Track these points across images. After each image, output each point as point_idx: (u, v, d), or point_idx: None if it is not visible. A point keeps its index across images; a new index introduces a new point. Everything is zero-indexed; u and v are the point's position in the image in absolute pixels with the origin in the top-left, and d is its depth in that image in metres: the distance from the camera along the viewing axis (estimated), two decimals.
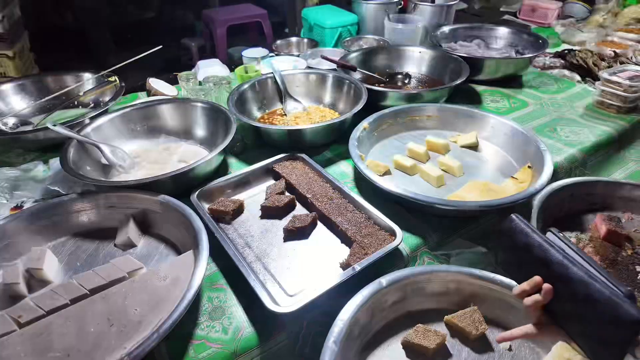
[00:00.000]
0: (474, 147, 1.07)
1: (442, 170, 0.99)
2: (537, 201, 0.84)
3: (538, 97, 1.32)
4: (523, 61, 1.40)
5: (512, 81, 1.41)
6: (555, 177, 0.96)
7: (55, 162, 0.99)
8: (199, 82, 1.32)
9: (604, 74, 1.21)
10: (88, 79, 1.26)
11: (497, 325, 0.69)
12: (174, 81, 1.39)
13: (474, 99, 1.33)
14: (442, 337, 0.65)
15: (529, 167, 0.93)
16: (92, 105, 1.26)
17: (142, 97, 1.35)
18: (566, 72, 1.60)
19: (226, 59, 4.33)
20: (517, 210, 0.89)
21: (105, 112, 1.08)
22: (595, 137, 1.09)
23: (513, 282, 0.68)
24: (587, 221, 0.90)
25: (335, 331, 0.61)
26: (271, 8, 5.93)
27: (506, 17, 2.79)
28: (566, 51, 1.79)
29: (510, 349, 0.66)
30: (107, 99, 1.22)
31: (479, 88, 1.39)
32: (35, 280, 0.73)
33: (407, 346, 0.66)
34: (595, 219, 0.88)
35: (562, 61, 1.71)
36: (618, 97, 1.18)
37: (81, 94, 1.22)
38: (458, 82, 1.20)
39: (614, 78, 1.19)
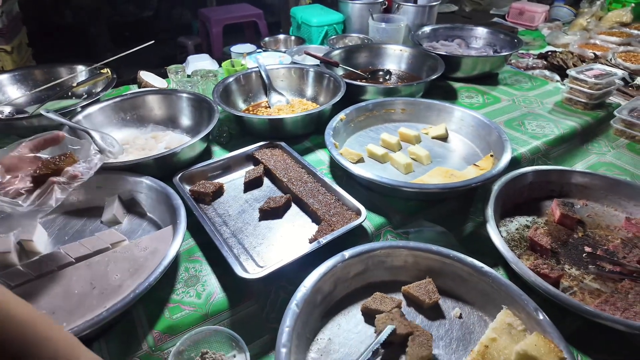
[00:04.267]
0: (443, 138, 1.14)
1: (412, 158, 1.05)
2: (495, 187, 0.90)
3: (511, 94, 1.38)
4: (498, 59, 1.46)
5: (488, 79, 1.48)
6: (519, 166, 1.02)
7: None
8: (187, 75, 1.38)
9: (571, 72, 1.28)
10: (81, 71, 1.32)
11: (449, 295, 0.75)
12: (165, 75, 1.45)
13: (451, 95, 1.39)
14: (397, 302, 0.71)
15: (491, 155, 0.99)
16: (85, 96, 1.32)
17: (133, 89, 1.41)
18: (547, 72, 1.67)
19: (221, 57, 4.40)
20: (478, 196, 0.95)
21: (97, 102, 1.14)
22: (559, 130, 1.16)
23: (467, 258, 0.74)
24: (546, 207, 0.96)
25: (298, 296, 0.67)
26: (267, 8, 5.99)
27: (495, 19, 2.87)
28: (548, 52, 1.86)
29: (460, 317, 0.72)
30: (98, 89, 1.28)
31: (457, 85, 1.46)
32: (25, 252, 0.79)
33: (366, 312, 0.72)
34: (552, 205, 0.94)
35: (544, 62, 1.78)
36: (584, 94, 1.25)
37: (74, 85, 1.28)
38: (432, 77, 1.27)
39: (581, 76, 1.25)
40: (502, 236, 0.82)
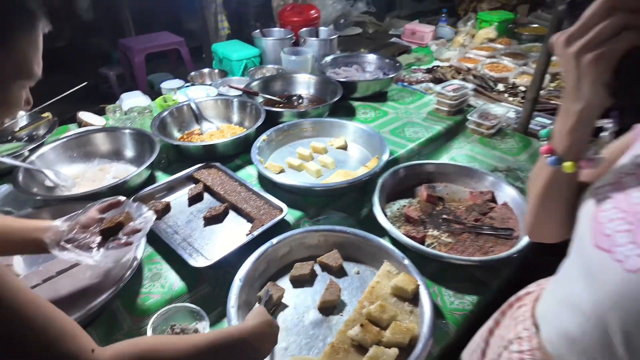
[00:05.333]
0: (344, 147, 1.46)
1: (322, 165, 1.35)
2: (380, 180, 1.23)
3: (396, 108, 1.76)
4: (386, 80, 1.84)
5: (379, 96, 1.85)
6: (398, 163, 1.37)
7: (2, 188, 1.18)
8: (124, 112, 1.57)
9: (436, 88, 1.68)
10: (22, 116, 1.45)
11: (351, 260, 1.04)
12: (100, 112, 1.62)
13: (351, 112, 1.73)
14: (311, 265, 0.99)
15: (377, 157, 1.32)
16: (26, 138, 1.45)
17: (72, 129, 1.55)
18: (431, 84, 2.09)
19: (146, 85, 4.44)
20: (370, 188, 1.27)
21: (42, 144, 1.29)
22: (429, 134, 1.54)
23: (361, 232, 1.04)
24: (418, 191, 1.31)
25: (240, 273, 0.92)
26: (188, 34, 6.09)
27: (393, 39, 3.34)
28: (433, 67, 2.30)
29: (358, 273, 1.02)
30: (40, 132, 1.42)
31: (356, 103, 1.80)
32: None
33: (293, 279, 0.99)
34: (421, 188, 1.29)
35: (430, 75, 2.21)
36: (446, 104, 1.65)
37: (16, 129, 1.40)
38: (333, 101, 1.59)
39: (443, 91, 1.66)
40: (386, 215, 1.14)
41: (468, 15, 3.28)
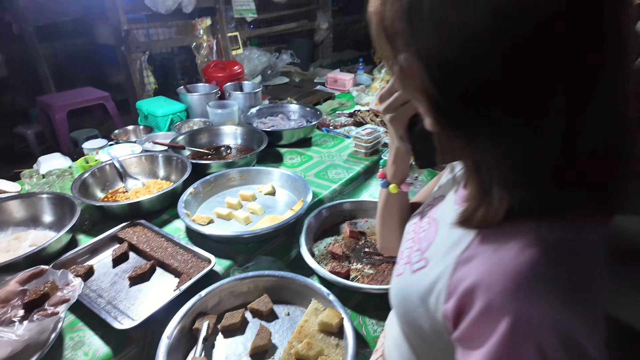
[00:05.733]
0: (272, 193, 1.53)
1: (250, 212, 1.41)
2: (306, 221, 1.31)
3: (320, 152, 1.89)
4: (310, 127, 1.98)
5: (304, 142, 1.97)
6: (322, 204, 1.46)
7: None
8: (42, 175, 1.52)
9: (352, 133, 1.84)
10: None
11: (280, 302, 1.09)
12: (14, 177, 1.55)
13: (278, 159, 1.83)
14: (242, 313, 1.01)
15: (302, 200, 1.41)
16: None
17: None
18: (353, 127, 2.27)
19: (69, 143, 4.23)
20: (295, 229, 1.34)
21: None
22: (349, 174, 1.67)
23: (288, 274, 1.10)
24: (343, 228, 1.40)
25: (168, 330, 0.92)
26: (115, 87, 5.96)
27: (318, 87, 3.58)
28: (355, 111, 2.50)
29: (288, 314, 1.07)
30: None
31: (282, 150, 1.90)
32: None
33: (223, 329, 1.01)
34: (345, 226, 1.39)
35: (352, 119, 2.39)
36: (362, 146, 1.81)
37: None
38: (259, 149, 1.68)
39: (359, 135, 1.82)
40: (315, 254, 1.22)
41: (382, 63, 3.64)
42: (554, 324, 0.37)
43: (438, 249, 0.53)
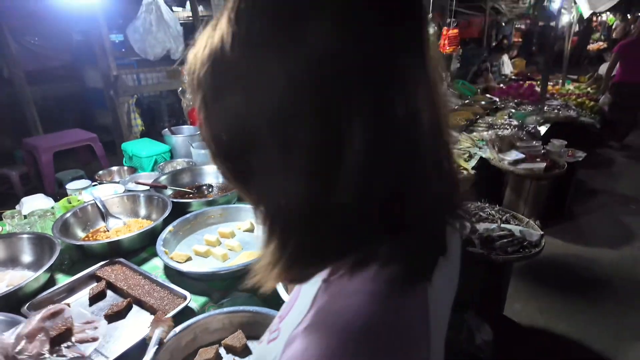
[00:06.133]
0: (251, 230, 1.58)
1: (228, 249, 1.45)
2: None
3: None
4: None
5: None
6: None
7: None
8: (24, 216, 1.54)
9: None
10: None
11: (255, 338, 1.11)
12: None
13: None
14: (215, 349, 1.03)
15: None
16: None
17: None
18: None
19: (54, 184, 4.24)
20: None
21: None
22: None
23: (263, 309, 1.13)
24: None
25: None
26: (102, 129, 6.04)
27: None
28: None
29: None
30: None
31: None
32: None
33: None
34: None
35: None
36: None
37: None
38: None
39: None
40: (287, 291, 1.25)
41: None
42: None
43: (291, 318, 0.46)
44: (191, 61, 0.43)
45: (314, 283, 0.44)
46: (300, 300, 0.47)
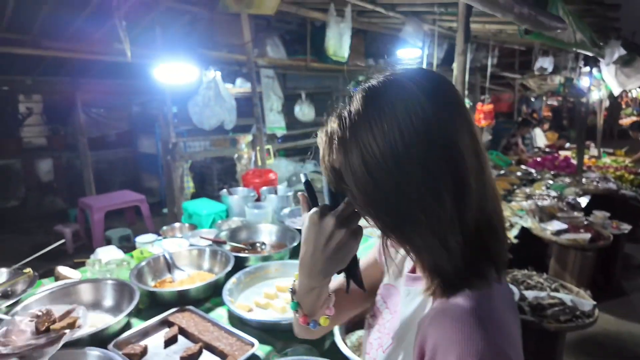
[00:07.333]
0: None
1: (286, 303, 1.52)
2: None
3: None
4: None
5: None
6: None
7: None
8: (104, 264, 1.70)
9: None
10: (1, 273, 1.54)
11: None
12: (74, 265, 1.73)
13: None
14: None
15: None
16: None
17: (45, 284, 1.63)
18: None
19: (102, 241, 4.48)
20: None
21: (19, 301, 1.37)
22: None
23: None
24: None
25: None
26: (148, 191, 6.44)
27: None
28: None
29: None
30: (17, 287, 1.50)
31: None
32: None
33: None
34: None
35: None
36: None
37: None
38: (292, 245, 1.86)
39: None
40: (347, 345, 1.30)
41: None
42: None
43: (402, 330, 0.71)
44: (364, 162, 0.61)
45: (413, 299, 0.72)
46: (401, 315, 0.73)
